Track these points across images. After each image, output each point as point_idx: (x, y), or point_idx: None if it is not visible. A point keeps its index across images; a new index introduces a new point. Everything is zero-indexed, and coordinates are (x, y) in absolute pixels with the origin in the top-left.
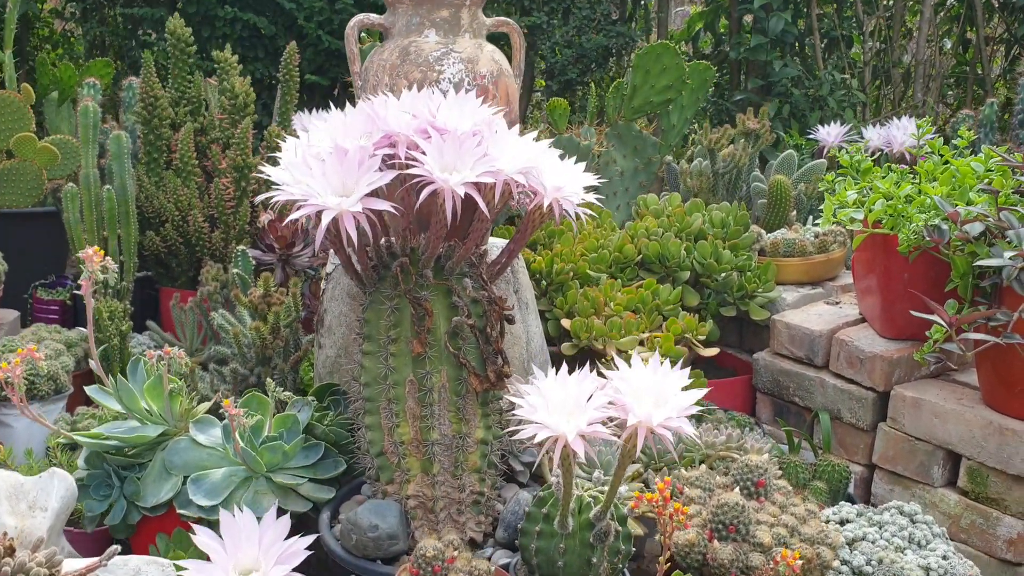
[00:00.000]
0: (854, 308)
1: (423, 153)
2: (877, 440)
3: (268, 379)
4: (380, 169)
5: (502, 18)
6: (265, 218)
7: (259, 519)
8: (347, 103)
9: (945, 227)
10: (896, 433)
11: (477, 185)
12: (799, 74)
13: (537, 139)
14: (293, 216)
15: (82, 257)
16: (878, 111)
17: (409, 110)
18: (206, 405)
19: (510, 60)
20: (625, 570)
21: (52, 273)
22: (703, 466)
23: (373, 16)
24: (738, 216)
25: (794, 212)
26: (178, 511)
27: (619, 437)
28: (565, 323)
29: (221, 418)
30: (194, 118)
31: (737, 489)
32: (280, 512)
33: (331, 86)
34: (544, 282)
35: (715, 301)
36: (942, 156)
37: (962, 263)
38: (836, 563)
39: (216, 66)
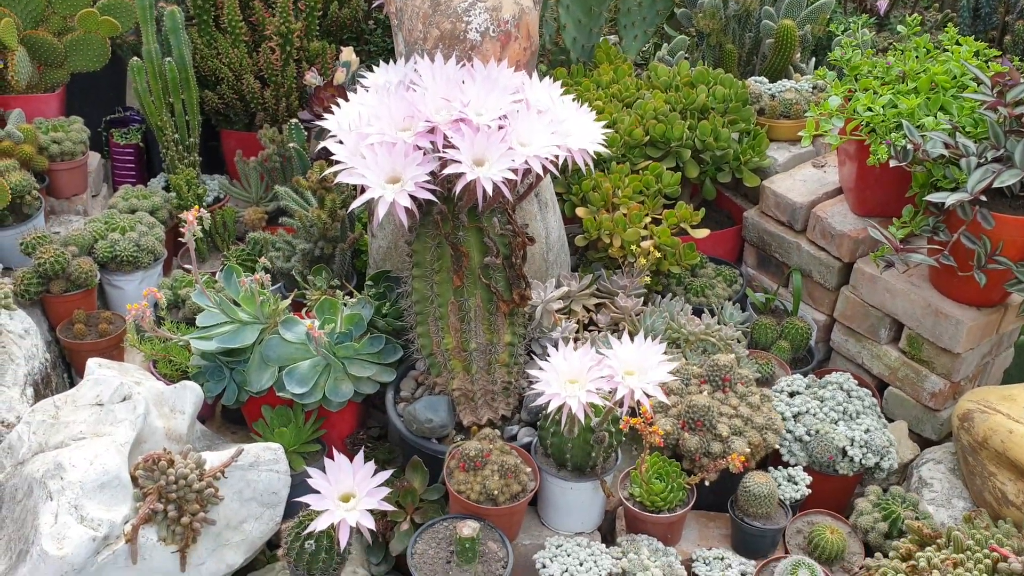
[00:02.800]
0: (835, 173)
1: (455, 149)
2: (839, 300)
3: (317, 276)
4: (423, 156)
5: None
6: (310, 77)
7: (341, 402)
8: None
9: (910, 147)
10: (854, 298)
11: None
12: None
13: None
14: (356, 204)
15: (183, 217)
16: None
17: (444, 94)
18: (286, 303)
19: None
20: (618, 450)
21: (118, 107)
22: (682, 359)
23: None
24: (739, 92)
25: (799, 54)
26: (277, 393)
27: (610, 399)
28: (580, 212)
29: (302, 307)
30: None
31: (706, 388)
32: (355, 395)
33: None
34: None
35: (713, 168)
36: (928, 51)
37: (922, 177)
38: (783, 432)
39: None
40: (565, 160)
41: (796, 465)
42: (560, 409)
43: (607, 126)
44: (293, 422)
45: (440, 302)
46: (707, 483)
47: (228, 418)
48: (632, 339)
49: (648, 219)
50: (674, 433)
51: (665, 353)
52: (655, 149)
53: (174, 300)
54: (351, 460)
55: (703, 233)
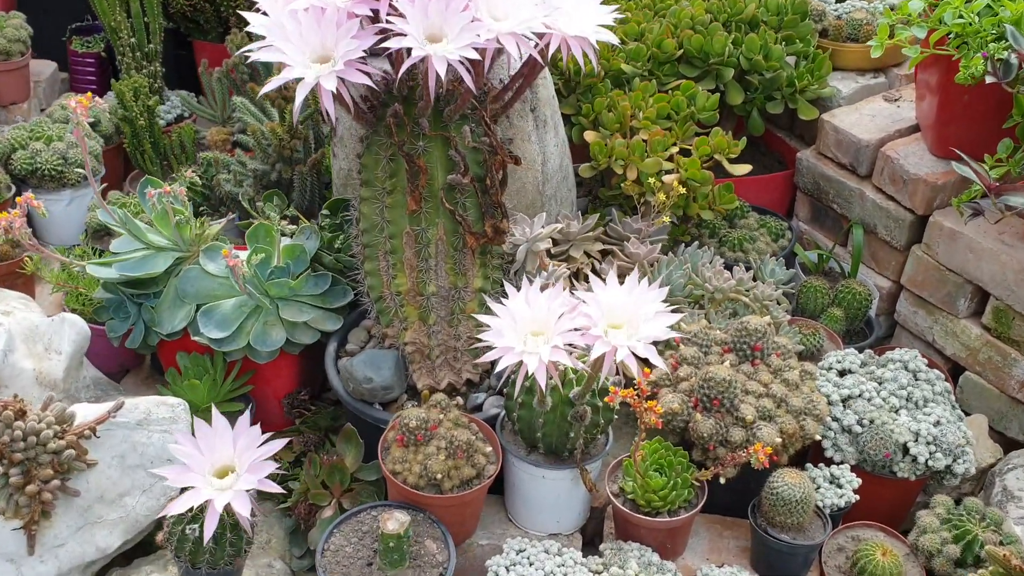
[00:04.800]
0: (912, 108)
1: (403, 17)
2: (908, 262)
3: (268, 204)
4: (360, 27)
5: None
6: None
7: (270, 351)
8: None
9: (1014, 61)
10: (928, 260)
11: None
12: None
13: None
14: (269, 87)
15: (67, 105)
16: None
17: None
18: (217, 228)
19: None
20: (608, 430)
21: (87, 15)
22: (703, 321)
23: None
24: (797, 4)
25: None
26: (192, 338)
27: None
28: (589, 136)
29: (241, 234)
30: None
31: (729, 358)
32: (289, 344)
33: None
34: (572, 82)
35: (761, 96)
36: None
37: None
38: (827, 419)
39: None
40: (558, 55)
41: (842, 463)
42: (516, 372)
43: (634, 39)
44: (209, 374)
45: (392, 231)
46: (722, 480)
47: (158, 368)
48: (622, 281)
49: (675, 149)
50: (683, 413)
51: (668, 303)
52: (690, 67)
53: (101, 226)
54: (287, 426)
55: (743, 169)
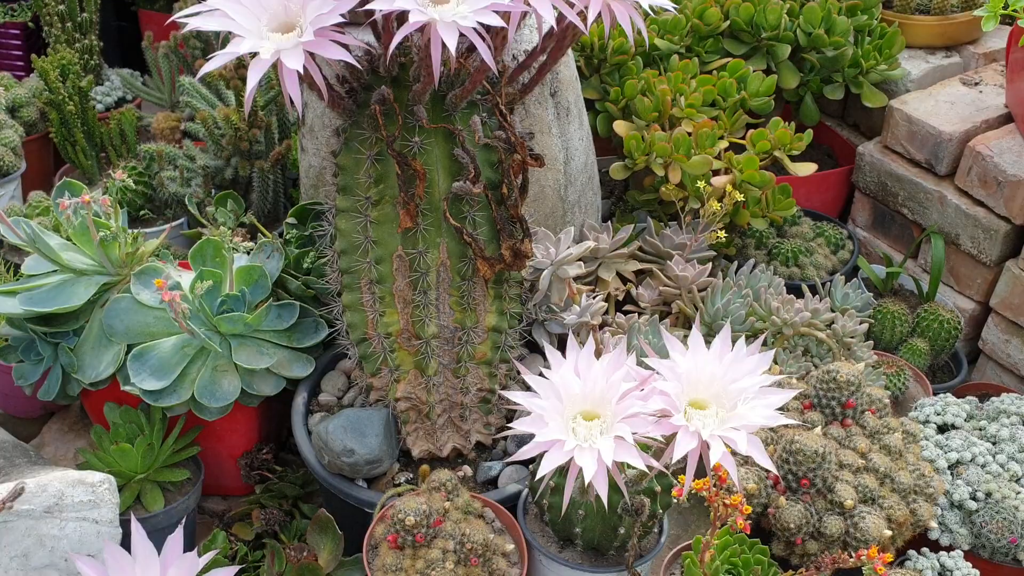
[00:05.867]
0: (998, 93)
1: None
2: (1001, 280)
3: (220, 209)
4: None
5: None
6: None
7: (220, 407)
8: None
9: None
10: None
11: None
12: None
13: None
14: (211, 66)
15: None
16: None
17: None
18: (154, 244)
19: None
20: (664, 519)
21: None
22: (775, 367)
23: None
24: None
25: None
26: (122, 388)
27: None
28: (618, 128)
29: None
30: None
31: (812, 417)
32: (245, 396)
33: None
34: (596, 59)
35: (817, 79)
36: None
37: None
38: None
39: None
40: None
41: (953, 548)
42: (561, 471)
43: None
44: (145, 434)
45: (379, 254)
46: None
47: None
48: (708, 338)
49: (724, 144)
50: (760, 494)
51: (774, 372)
52: (737, 43)
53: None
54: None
55: (808, 169)
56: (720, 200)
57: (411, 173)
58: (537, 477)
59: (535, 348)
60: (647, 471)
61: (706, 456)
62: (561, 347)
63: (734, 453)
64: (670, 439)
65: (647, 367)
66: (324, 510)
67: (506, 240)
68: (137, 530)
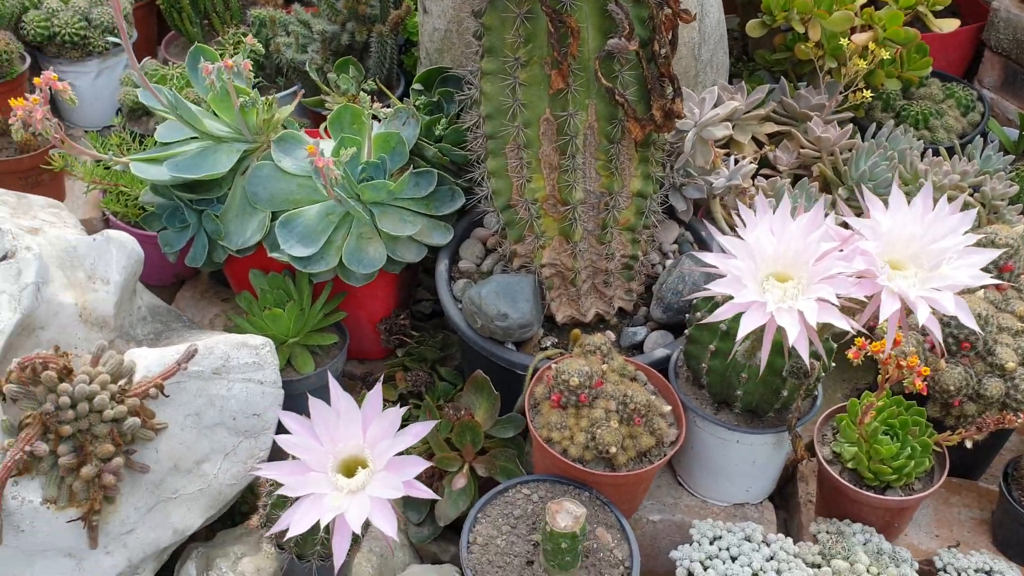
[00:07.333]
0: None
1: None
2: None
3: (343, 75)
4: None
5: None
6: None
7: (367, 273)
8: None
9: None
10: None
11: None
12: None
13: None
14: None
15: None
16: None
17: None
18: (288, 110)
19: None
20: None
21: None
22: None
23: None
24: None
25: None
26: (270, 254)
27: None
28: None
29: (320, 121)
30: None
31: None
32: (389, 263)
33: None
34: None
35: None
36: None
37: None
38: None
39: None
40: None
41: None
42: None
43: None
44: (294, 300)
45: (527, 118)
46: (968, 444)
47: (221, 279)
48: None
49: (861, 0)
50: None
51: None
52: None
53: (139, 105)
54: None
55: (951, 25)
56: (863, 59)
57: (564, 31)
58: (739, 337)
59: (671, 214)
60: (849, 330)
61: (898, 318)
62: (695, 212)
63: (936, 314)
64: (857, 303)
65: (846, 226)
66: (480, 371)
67: (656, 100)
68: (335, 386)
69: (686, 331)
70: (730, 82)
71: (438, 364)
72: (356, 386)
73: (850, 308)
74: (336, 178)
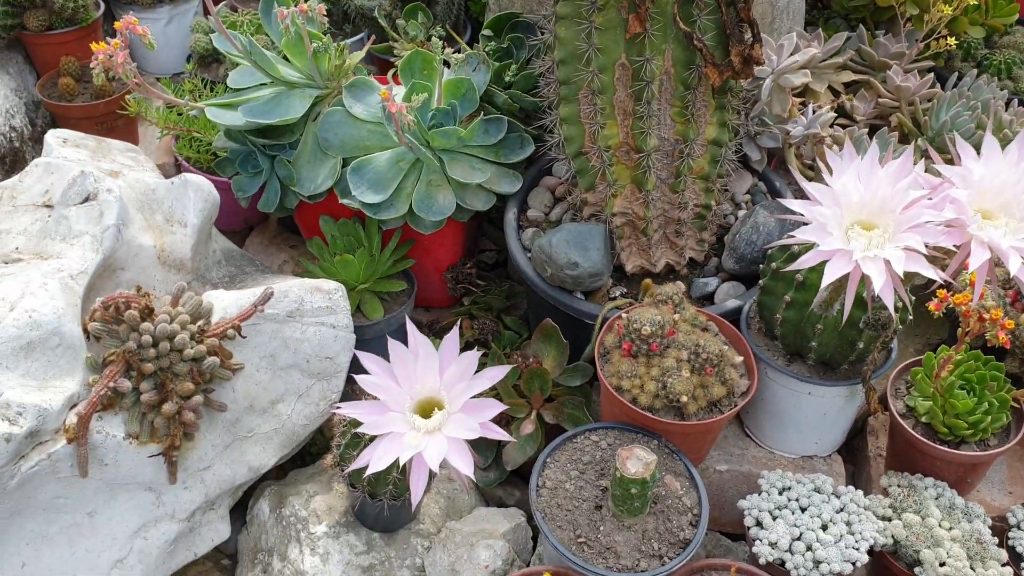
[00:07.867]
0: None
1: None
2: None
3: (411, 21)
4: None
5: None
6: None
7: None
8: None
9: None
10: None
11: None
12: None
13: None
14: None
15: None
16: None
17: None
18: (358, 56)
19: None
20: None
21: None
22: None
23: None
24: None
25: None
26: (341, 200)
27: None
28: None
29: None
30: None
31: None
32: (459, 211)
33: None
34: None
35: None
36: None
37: None
38: None
39: None
40: None
41: None
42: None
43: None
44: (364, 246)
45: (601, 63)
46: None
47: (288, 225)
48: (977, 146)
49: None
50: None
51: None
52: None
53: (210, 51)
54: (448, 302)
55: None
56: (947, 3)
57: None
58: (823, 286)
59: (744, 164)
60: (937, 280)
61: (986, 269)
62: (769, 162)
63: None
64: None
65: (937, 174)
66: (549, 319)
67: (735, 45)
68: (413, 329)
69: (760, 282)
70: (805, 29)
71: (503, 313)
72: (423, 332)
73: (936, 258)
74: (409, 124)
